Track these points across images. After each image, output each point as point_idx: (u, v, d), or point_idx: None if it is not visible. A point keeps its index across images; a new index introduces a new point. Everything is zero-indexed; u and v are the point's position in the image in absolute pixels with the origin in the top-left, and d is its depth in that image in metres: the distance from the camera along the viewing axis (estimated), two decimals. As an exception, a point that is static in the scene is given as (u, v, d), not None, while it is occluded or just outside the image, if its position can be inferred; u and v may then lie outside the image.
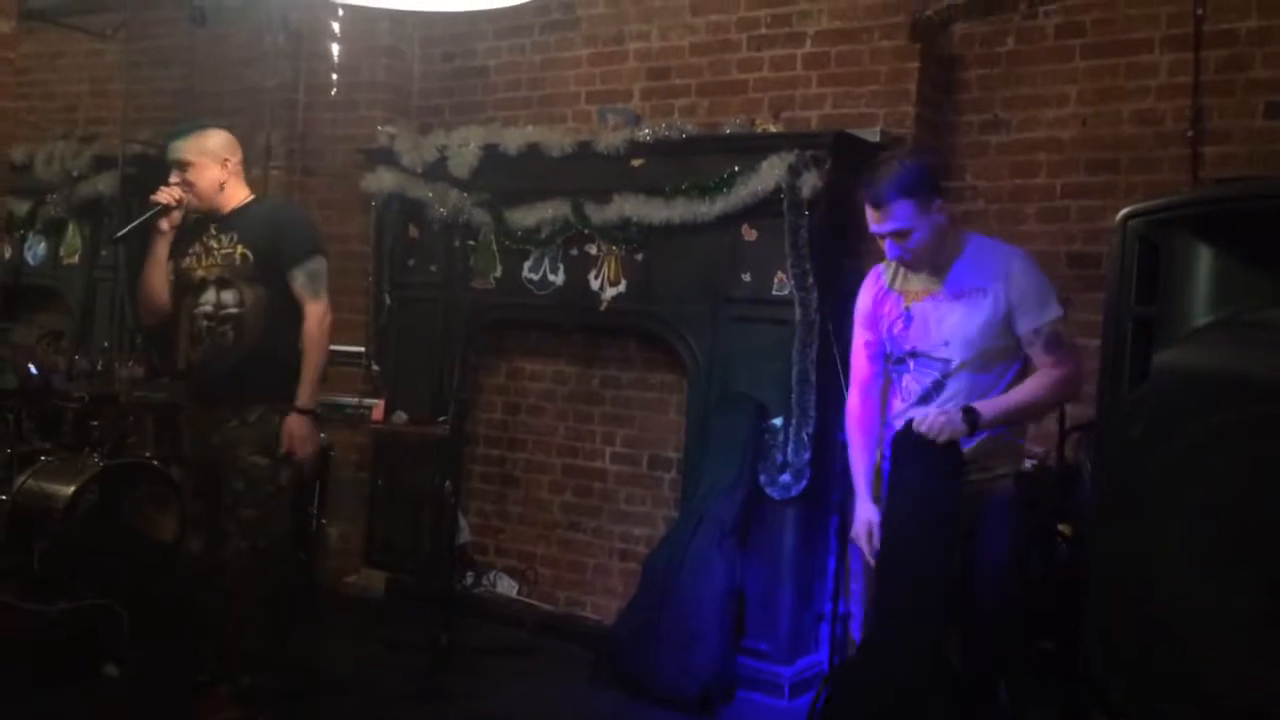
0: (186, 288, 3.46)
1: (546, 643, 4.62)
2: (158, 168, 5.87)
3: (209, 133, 3.53)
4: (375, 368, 5.19)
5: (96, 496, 4.07)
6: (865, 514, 3.02)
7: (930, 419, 2.77)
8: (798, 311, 4.13)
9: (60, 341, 5.32)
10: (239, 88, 5.66)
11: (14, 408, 4.45)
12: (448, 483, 4.71)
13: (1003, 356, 2.90)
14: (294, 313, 3.39)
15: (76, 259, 6.16)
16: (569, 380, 5.07)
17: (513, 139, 4.82)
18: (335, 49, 5.18)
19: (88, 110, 6.55)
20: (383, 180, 5.11)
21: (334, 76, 5.24)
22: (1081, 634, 2.28)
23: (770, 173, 4.14)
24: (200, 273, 3.43)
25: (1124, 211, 2.26)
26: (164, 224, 3.42)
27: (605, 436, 4.95)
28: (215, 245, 3.44)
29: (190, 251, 3.47)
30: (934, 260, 2.93)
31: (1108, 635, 2.21)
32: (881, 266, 3.12)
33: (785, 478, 4.16)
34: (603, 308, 4.69)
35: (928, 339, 2.95)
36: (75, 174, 5.97)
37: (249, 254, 3.40)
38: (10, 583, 3.94)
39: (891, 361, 3.07)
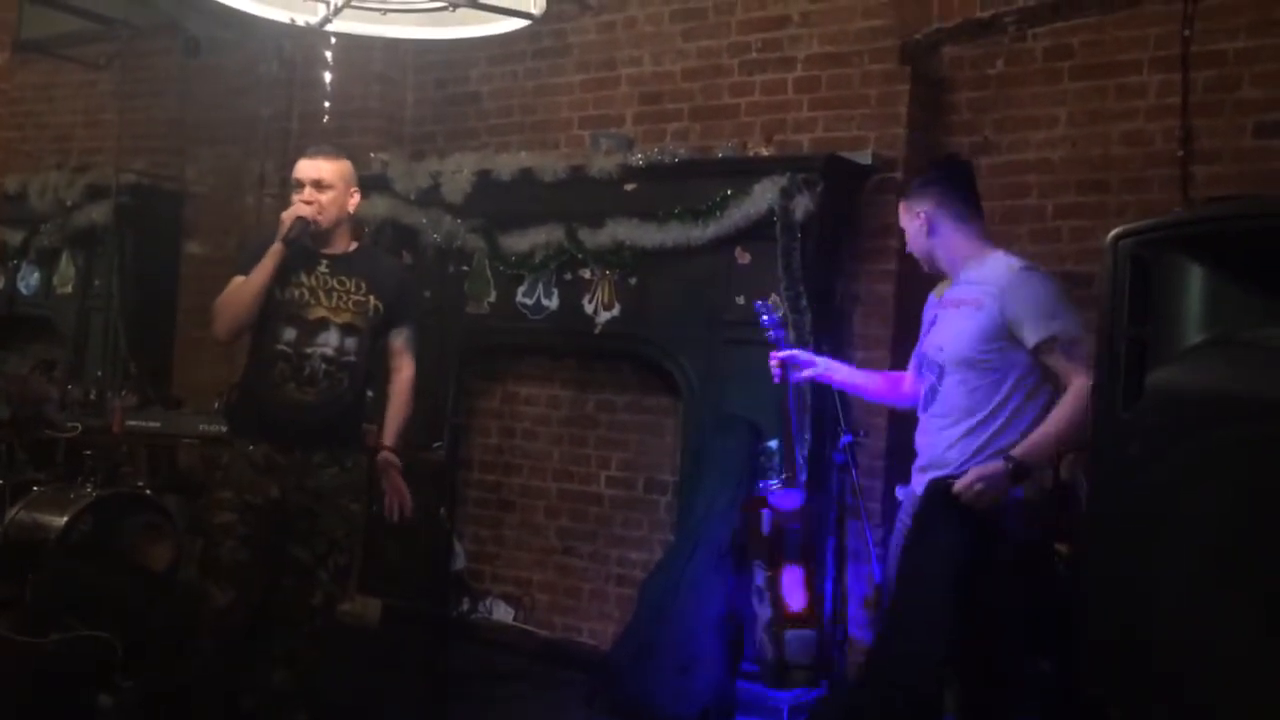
0: (288, 320, 3.25)
1: (543, 669, 4.60)
2: (151, 196, 5.97)
3: (344, 158, 3.38)
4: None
5: (90, 527, 4.05)
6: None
7: (969, 483, 2.76)
8: (791, 334, 4.13)
9: (53, 371, 5.30)
10: (233, 117, 5.68)
11: (6, 438, 4.43)
12: (443, 508, 4.69)
13: (995, 367, 2.91)
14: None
15: (70, 288, 6.16)
16: (564, 404, 5.06)
17: (506, 165, 4.83)
18: (328, 77, 5.20)
19: (81, 140, 6.57)
20: (376, 207, 5.11)
21: (326, 104, 5.26)
22: (1078, 654, 2.28)
23: (763, 196, 4.15)
24: (321, 312, 3.26)
25: (1115, 232, 2.27)
26: (290, 238, 3.21)
27: (600, 460, 4.94)
28: (339, 286, 3.29)
29: (297, 282, 3.26)
30: (930, 263, 3.13)
31: (1105, 655, 2.20)
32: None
33: (781, 500, 4.15)
34: (597, 331, 4.69)
35: (933, 342, 3.05)
36: (69, 204, 5.98)
37: (380, 306, 3.33)
38: (3, 614, 3.91)
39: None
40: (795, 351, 3.43)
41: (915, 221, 3.10)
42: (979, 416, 2.93)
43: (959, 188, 3.14)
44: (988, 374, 2.91)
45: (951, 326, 3.00)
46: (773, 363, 3.39)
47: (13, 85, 6.37)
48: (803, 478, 4.10)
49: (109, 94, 6.14)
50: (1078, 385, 2.75)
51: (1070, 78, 4.15)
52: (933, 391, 3.04)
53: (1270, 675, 1.88)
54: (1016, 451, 2.77)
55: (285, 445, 3.25)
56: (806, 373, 3.38)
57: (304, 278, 3.27)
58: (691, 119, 4.81)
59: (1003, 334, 2.89)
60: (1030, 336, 2.85)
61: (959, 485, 2.78)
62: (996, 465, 2.75)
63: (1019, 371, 2.90)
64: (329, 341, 3.26)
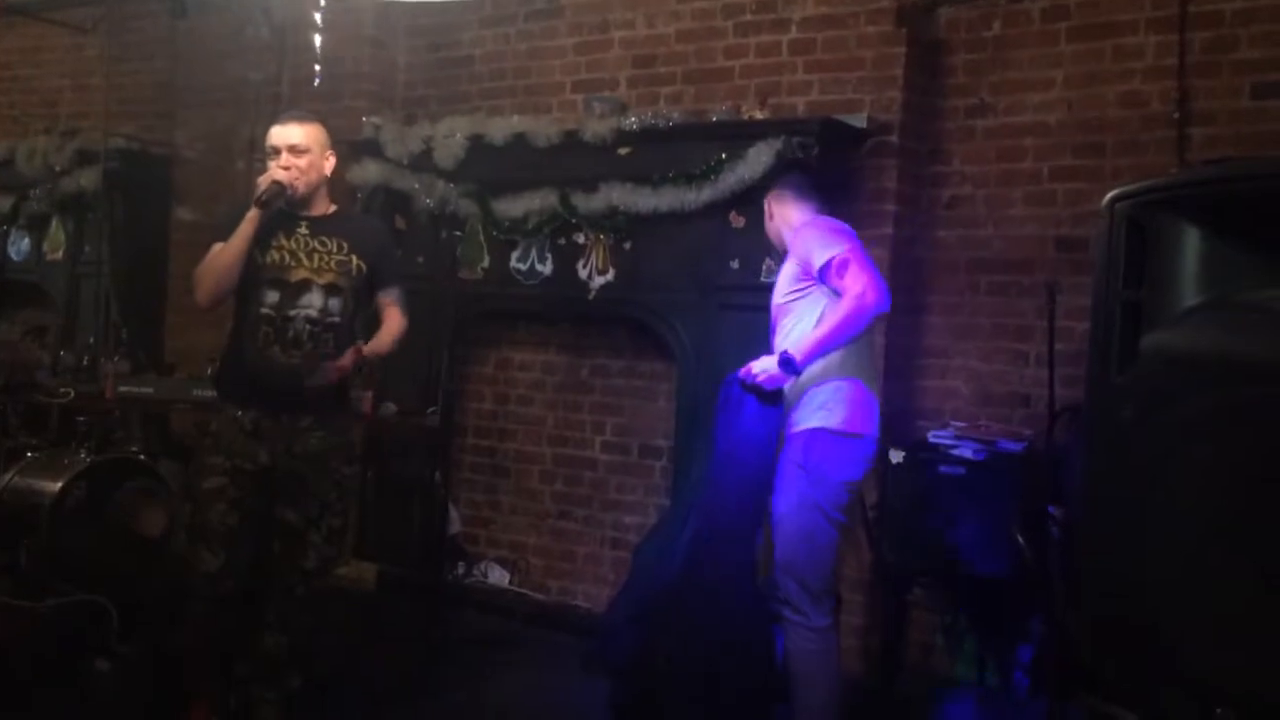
0: (270, 284, 3.23)
1: (538, 633, 4.62)
2: (140, 161, 5.92)
3: (318, 123, 3.37)
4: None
5: (84, 492, 4.05)
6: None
7: (748, 370, 3.18)
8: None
9: (44, 337, 5.29)
10: (222, 80, 5.61)
11: (-1, 404, 4.42)
12: (438, 474, 4.69)
13: (802, 304, 3.25)
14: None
15: (60, 254, 6.13)
16: (558, 370, 5.06)
17: (499, 129, 4.80)
18: (318, 40, 5.13)
19: (69, 104, 6.51)
20: (368, 172, 5.08)
21: (317, 68, 5.20)
22: (1073, 616, 2.29)
23: (757, 160, 4.13)
24: (304, 273, 3.24)
25: (1111, 194, 2.26)
26: (264, 201, 3.18)
27: (595, 425, 4.94)
28: (320, 248, 3.28)
29: (278, 245, 3.24)
30: (778, 241, 3.50)
31: (1099, 617, 2.21)
32: None
33: (776, 465, 4.15)
34: (591, 297, 4.68)
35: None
36: (58, 169, 5.93)
37: (363, 266, 3.31)
38: (-1, 580, 3.93)
39: None
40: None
41: (766, 210, 3.53)
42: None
43: (794, 178, 3.61)
44: (800, 313, 3.25)
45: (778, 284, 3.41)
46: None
47: (-1, 49, 6.31)
48: None
49: (96, 57, 6.06)
50: (847, 294, 3.08)
51: (1067, 39, 4.12)
52: (772, 346, 3.34)
53: (1265, 637, 1.89)
54: (788, 347, 3.15)
55: (273, 410, 3.24)
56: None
57: (284, 240, 3.26)
58: (685, 82, 4.77)
59: (802, 275, 3.24)
60: (815, 265, 3.18)
61: (741, 373, 3.21)
62: (771, 358, 3.16)
63: (822, 306, 3.21)
64: (312, 303, 3.24)
